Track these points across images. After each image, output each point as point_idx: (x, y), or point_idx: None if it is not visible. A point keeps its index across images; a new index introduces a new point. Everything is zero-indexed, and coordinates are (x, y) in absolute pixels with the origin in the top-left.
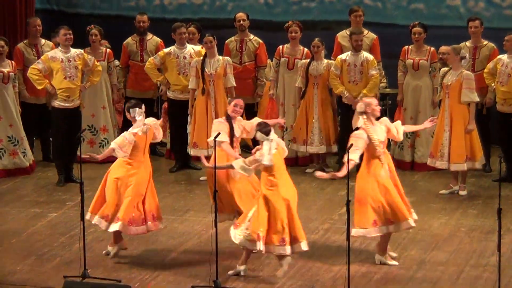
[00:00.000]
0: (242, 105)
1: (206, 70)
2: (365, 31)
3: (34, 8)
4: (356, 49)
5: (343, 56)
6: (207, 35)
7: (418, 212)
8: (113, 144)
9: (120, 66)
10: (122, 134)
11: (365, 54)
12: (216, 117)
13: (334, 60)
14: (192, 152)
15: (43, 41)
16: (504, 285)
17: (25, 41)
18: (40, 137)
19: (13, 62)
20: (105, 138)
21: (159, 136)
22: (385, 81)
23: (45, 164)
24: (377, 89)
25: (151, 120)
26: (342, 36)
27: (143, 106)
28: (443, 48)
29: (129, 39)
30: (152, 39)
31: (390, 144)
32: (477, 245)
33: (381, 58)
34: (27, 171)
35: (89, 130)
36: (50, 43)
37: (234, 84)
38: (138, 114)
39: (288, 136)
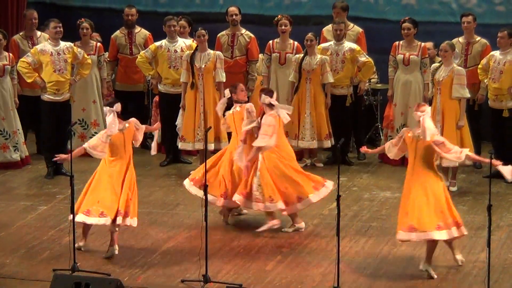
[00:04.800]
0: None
1: (195, 64)
2: (351, 25)
3: (26, 0)
4: (337, 38)
5: (325, 44)
6: (199, 29)
7: None
8: (85, 144)
9: (108, 59)
10: (97, 135)
11: (348, 44)
12: (204, 111)
13: (326, 55)
14: (179, 145)
15: (38, 33)
16: (493, 282)
17: (21, 33)
18: (35, 130)
19: (11, 54)
20: (95, 132)
21: (139, 138)
22: (376, 76)
23: (38, 157)
24: (371, 72)
25: (134, 120)
26: (327, 30)
27: (117, 105)
28: (429, 44)
29: (117, 32)
30: (141, 32)
31: (381, 138)
32: (467, 241)
33: (367, 52)
34: (17, 165)
35: (79, 124)
36: (46, 36)
37: (223, 79)
38: (108, 113)
39: None
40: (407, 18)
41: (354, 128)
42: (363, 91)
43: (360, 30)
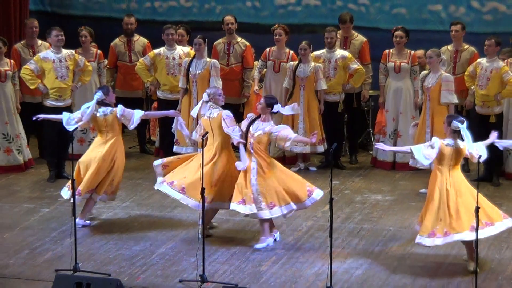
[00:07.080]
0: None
1: (190, 70)
2: (355, 34)
3: (28, 9)
4: (328, 46)
5: (318, 52)
6: (198, 37)
7: (399, 210)
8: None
9: (107, 66)
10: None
11: (340, 52)
12: (197, 117)
13: (320, 63)
14: (174, 148)
15: (39, 42)
16: (481, 281)
17: (22, 42)
18: (37, 135)
19: (12, 61)
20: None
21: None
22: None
23: (40, 161)
24: (363, 79)
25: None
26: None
27: (99, 92)
28: (419, 52)
29: (117, 40)
30: (139, 40)
31: (372, 144)
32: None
33: (370, 60)
34: (21, 169)
35: (79, 129)
36: (47, 44)
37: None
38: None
39: None
40: (399, 27)
41: (350, 133)
42: (366, 98)
43: (364, 39)
